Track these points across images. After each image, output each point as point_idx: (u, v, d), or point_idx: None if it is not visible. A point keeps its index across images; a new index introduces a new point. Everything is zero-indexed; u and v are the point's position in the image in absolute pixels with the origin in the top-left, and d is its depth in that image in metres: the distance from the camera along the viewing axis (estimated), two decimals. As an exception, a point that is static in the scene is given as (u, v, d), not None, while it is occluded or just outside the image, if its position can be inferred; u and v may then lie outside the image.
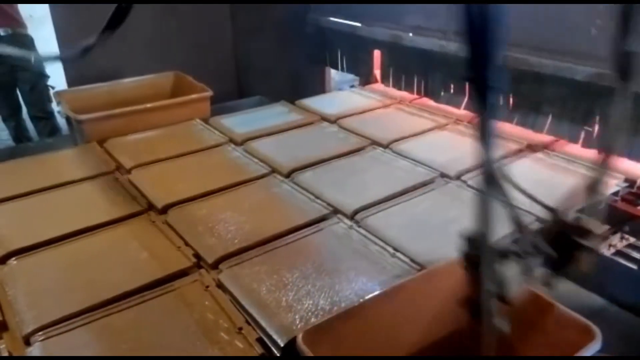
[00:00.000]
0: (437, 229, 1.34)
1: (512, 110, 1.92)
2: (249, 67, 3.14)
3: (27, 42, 2.99)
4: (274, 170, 1.69)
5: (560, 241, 0.74)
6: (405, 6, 2.20)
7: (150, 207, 1.49)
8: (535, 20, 1.72)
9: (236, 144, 1.90)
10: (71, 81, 2.81)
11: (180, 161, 1.77)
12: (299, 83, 2.89)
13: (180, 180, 1.63)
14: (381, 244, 1.29)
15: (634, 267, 1.54)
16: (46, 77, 3.07)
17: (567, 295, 1.29)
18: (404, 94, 2.38)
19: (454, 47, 2.00)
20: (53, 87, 2.98)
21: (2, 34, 2.87)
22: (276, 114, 2.18)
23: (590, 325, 0.86)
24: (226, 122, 2.09)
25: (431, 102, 2.26)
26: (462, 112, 2.12)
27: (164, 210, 1.46)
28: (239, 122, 2.09)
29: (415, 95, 2.34)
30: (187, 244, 1.30)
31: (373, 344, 0.98)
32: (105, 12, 2.26)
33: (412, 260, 1.22)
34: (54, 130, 3.22)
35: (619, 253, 1.72)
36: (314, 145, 1.86)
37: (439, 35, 2.07)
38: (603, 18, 1.52)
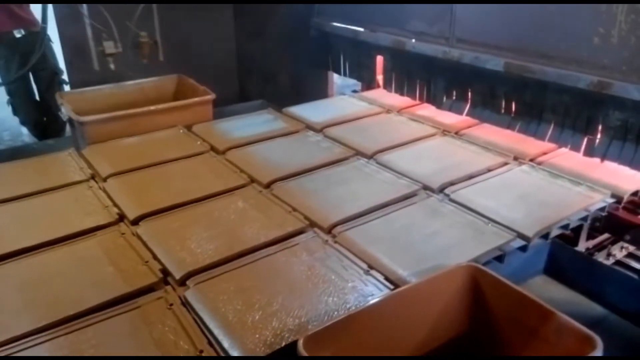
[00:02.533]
0: (414, 246, 1.30)
1: (515, 118, 1.89)
2: (251, 71, 3.14)
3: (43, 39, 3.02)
4: (253, 181, 1.65)
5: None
6: (408, 12, 2.18)
7: (122, 218, 1.44)
8: (538, 28, 1.70)
9: (218, 152, 1.86)
10: (75, 83, 2.80)
11: (159, 169, 1.73)
12: (301, 87, 2.88)
13: (157, 189, 1.59)
14: (356, 260, 1.25)
15: (635, 276, 1.51)
16: (61, 72, 3.07)
17: (568, 304, 1.30)
18: (403, 99, 2.35)
19: (457, 53, 1.98)
20: (67, 82, 2.99)
21: (18, 35, 2.88)
22: (261, 121, 2.14)
23: (591, 334, 0.85)
24: (210, 129, 2.05)
25: (420, 111, 2.22)
26: (451, 121, 2.07)
27: (136, 221, 1.42)
28: (224, 129, 2.06)
29: (417, 101, 2.32)
30: (155, 258, 1.26)
31: (373, 350, 0.96)
32: (108, 10, 2.26)
33: (386, 278, 1.18)
34: (63, 127, 3.21)
35: (619, 262, 1.70)
36: (297, 155, 1.82)
37: (442, 41, 2.05)
38: (605, 26, 1.50)
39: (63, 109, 2.04)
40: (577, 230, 1.52)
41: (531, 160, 1.73)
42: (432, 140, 1.93)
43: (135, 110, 1.99)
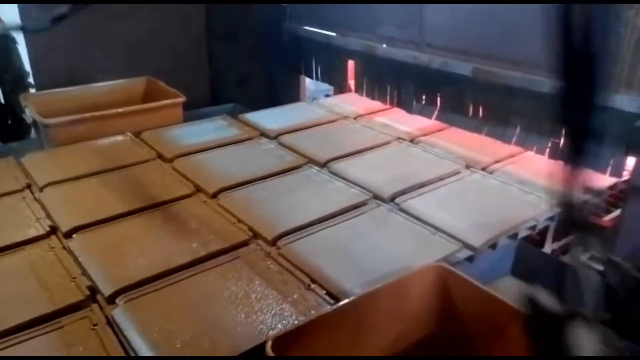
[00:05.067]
0: (359, 257, 1.26)
1: (482, 122, 1.91)
2: (223, 74, 3.11)
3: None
4: (199, 190, 1.59)
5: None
6: (379, 17, 2.19)
7: (54, 230, 1.36)
8: (505, 35, 1.72)
9: (165, 160, 1.79)
10: (41, 85, 2.71)
11: (101, 178, 1.65)
12: (274, 91, 2.86)
13: (95, 200, 1.51)
14: (298, 274, 1.20)
15: (597, 275, 1.51)
16: (27, 74, 2.96)
17: None
18: (371, 104, 2.35)
19: (426, 58, 2.00)
20: (32, 85, 2.88)
21: None
22: (214, 128, 2.08)
23: None
24: (159, 136, 1.97)
25: (385, 117, 2.19)
26: (408, 129, 2.06)
27: (69, 234, 1.34)
28: (174, 136, 1.98)
29: (387, 106, 2.32)
30: (85, 273, 1.19)
31: (343, 350, 0.95)
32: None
33: (327, 292, 1.14)
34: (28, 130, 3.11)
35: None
36: (247, 163, 1.76)
37: (412, 46, 2.07)
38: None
39: (27, 111, 1.97)
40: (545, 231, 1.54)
41: (484, 168, 1.72)
42: (387, 148, 1.91)
43: (102, 113, 1.94)
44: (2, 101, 2.98)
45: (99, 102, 2.08)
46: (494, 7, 1.72)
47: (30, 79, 2.89)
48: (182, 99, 2.11)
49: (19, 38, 2.69)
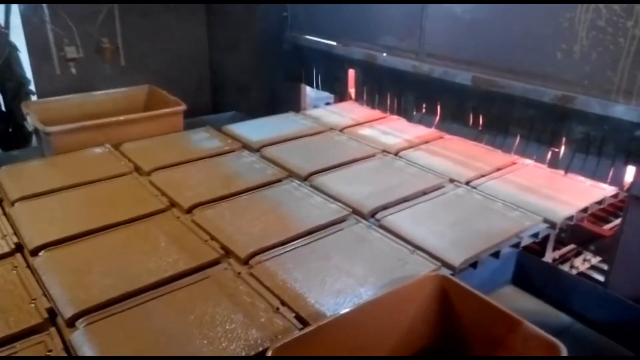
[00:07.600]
0: (332, 277, 1.21)
1: (482, 131, 1.89)
2: (225, 83, 3.13)
3: (9, 49, 2.88)
4: (174, 205, 1.55)
5: None
6: (380, 27, 2.18)
7: (20, 248, 1.32)
8: (505, 44, 1.71)
9: (142, 173, 1.75)
10: (42, 93, 2.71)
11: (74, 193, 1.61)
12: (275, 99, 2.86)
13: (67, 216, 1.47)
14: (267, 296, 1.15)
15: (599, 285, 1.48)
16: (28, 82, 2.94)
17: (535, 313, 1.30)
18: (372, 113, 2.34)
19: (427, 67, 1.99)
20: (34, 92, 2.88)
21: None
22: (196, 140, 2.04)
23: (557, 342, 0.87)
24: (139, 148, 1.93)
25: (361, 130, 2.16)
26: (394, 141, 2.03)
27: (36, 252, 1.29)
28: (153, 148, 1.94)
29: (386, 114, 2.31)
30: (46, 294, 1.14)
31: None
32: (69, 15, 2.20)
33: (296, 316, 1.09)
34: (29, 138, 3.09)
35: (584, 272, 1.68)
36: (226, 177, 1.72)
37: (412, 56, 2.06)
38: (568, 42, 1.52)
39: (29, 119, 1.95)
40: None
41: (468, 182, 1.68)
42: (371, 160, 1.87)
43: (103, 121, 1.94)
44: (3, 109, 2.97)
45: (100, 110, 2.09)
46: (493, 17, 1.71)
47: (32, 87, 2.88)
48: (183, 107, 2.11)
49: (21, 45, 2.67)
